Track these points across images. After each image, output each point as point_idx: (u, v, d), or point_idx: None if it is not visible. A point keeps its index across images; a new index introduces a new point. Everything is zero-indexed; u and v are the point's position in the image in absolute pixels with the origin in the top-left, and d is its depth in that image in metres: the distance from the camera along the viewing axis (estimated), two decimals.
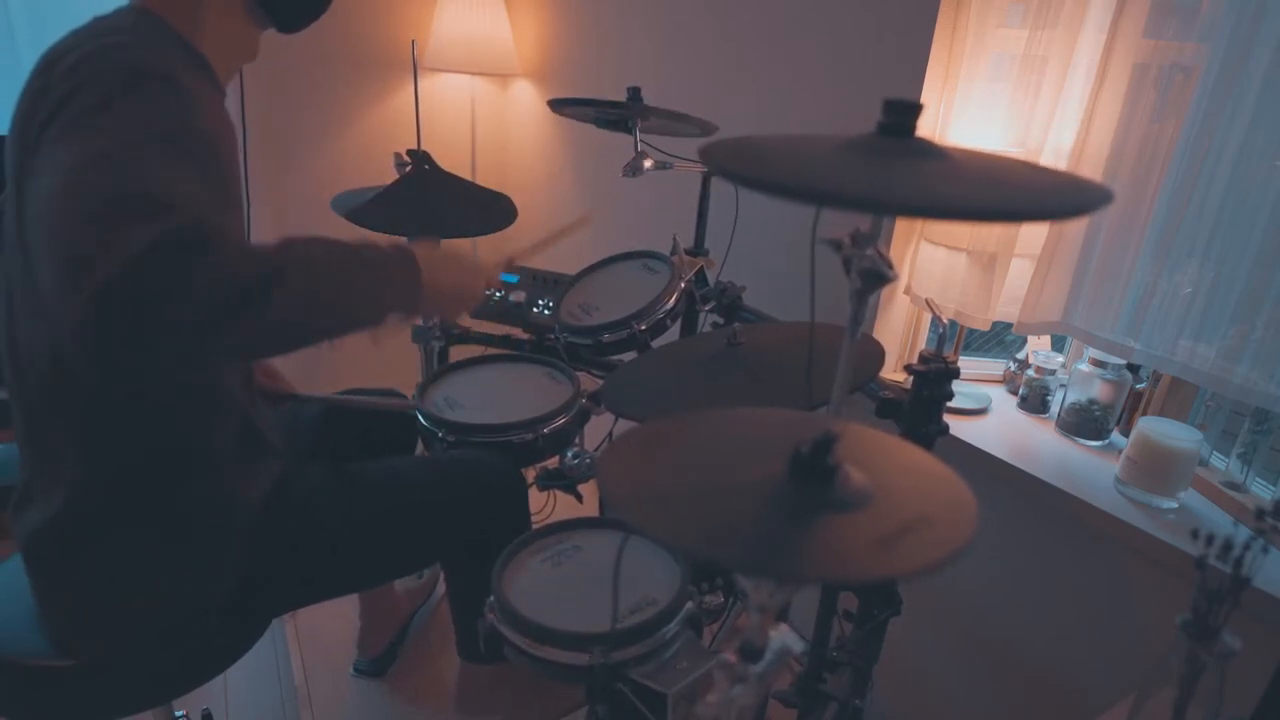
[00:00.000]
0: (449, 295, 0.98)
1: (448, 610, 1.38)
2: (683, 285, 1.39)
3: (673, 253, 1.43)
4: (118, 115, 0.75)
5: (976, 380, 1.53)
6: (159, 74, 0.79)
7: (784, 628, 0.54)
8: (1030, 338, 1.49)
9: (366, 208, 1.52)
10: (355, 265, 0.84)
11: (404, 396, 1.45)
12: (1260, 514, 0.63)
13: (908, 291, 1.47)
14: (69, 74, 0.78)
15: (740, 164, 0.47)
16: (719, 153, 0.49)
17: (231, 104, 2.19)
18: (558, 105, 1.40)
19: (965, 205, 0.43)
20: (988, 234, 1.31)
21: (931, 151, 0.49)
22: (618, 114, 1.37)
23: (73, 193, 0.71)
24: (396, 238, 0.95)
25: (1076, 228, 1.24)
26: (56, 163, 0.73)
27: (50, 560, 0.94)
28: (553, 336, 1.46)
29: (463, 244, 2.80)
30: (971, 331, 1.51)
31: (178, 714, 1.34)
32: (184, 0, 0.92)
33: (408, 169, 1.59)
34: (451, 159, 2.58)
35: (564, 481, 1.47)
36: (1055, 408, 1.40)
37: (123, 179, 0.71)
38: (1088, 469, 1.24)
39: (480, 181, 1.73)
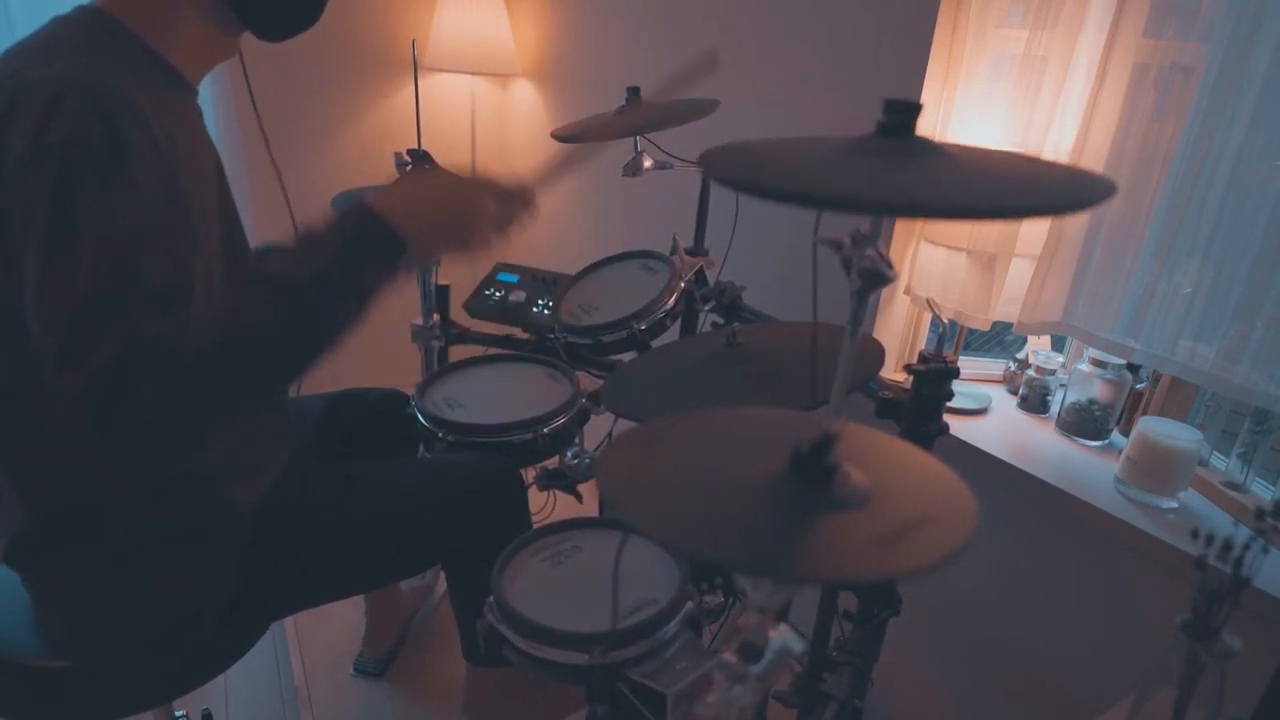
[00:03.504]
0: (440, 226, 0.88)
1: (448, 610, 1.37)
2: (683, 285, 1.39)
3: (673, 253, 1.43)
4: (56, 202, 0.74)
5: (976, 380, 1.53)
6: (98, 128, 0.75)
7: (784, 627, 0.54)
8: (1030, 338, 1.49)
9: None
10: (307, 293, 0.80)
11: (406, 396, 1.45)
12: (1260, 514, 0.63)
13: (908, 291, 1.47)
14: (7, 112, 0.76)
15: (739, 170, 0.47)
16: (718, 159, 0.49)
17: (236, 99, 2.19)
18: (562, 139, 1.38)
19: (967, 204, 0.43)
20: (988, 234, 1.31)
21: (931, 150, 0.49)
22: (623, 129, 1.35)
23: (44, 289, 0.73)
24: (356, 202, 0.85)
25: (1077, 227, 1.23)
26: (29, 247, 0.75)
27: (33, 566, 0.94)
28: (553, 336, 1.46)
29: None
30: (971, 331, 1.51)
31: (178, 714, 1.34)
32: (149, 3, 0.89)
33: (408, 168, 1.59)
34: (452, 159, 2.57)
35: (564, 481, 1.47)
36: (1055, 408, 1.40)
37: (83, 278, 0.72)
38: (1088, 469, 1.24)
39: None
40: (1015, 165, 0.50)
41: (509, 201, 0.92)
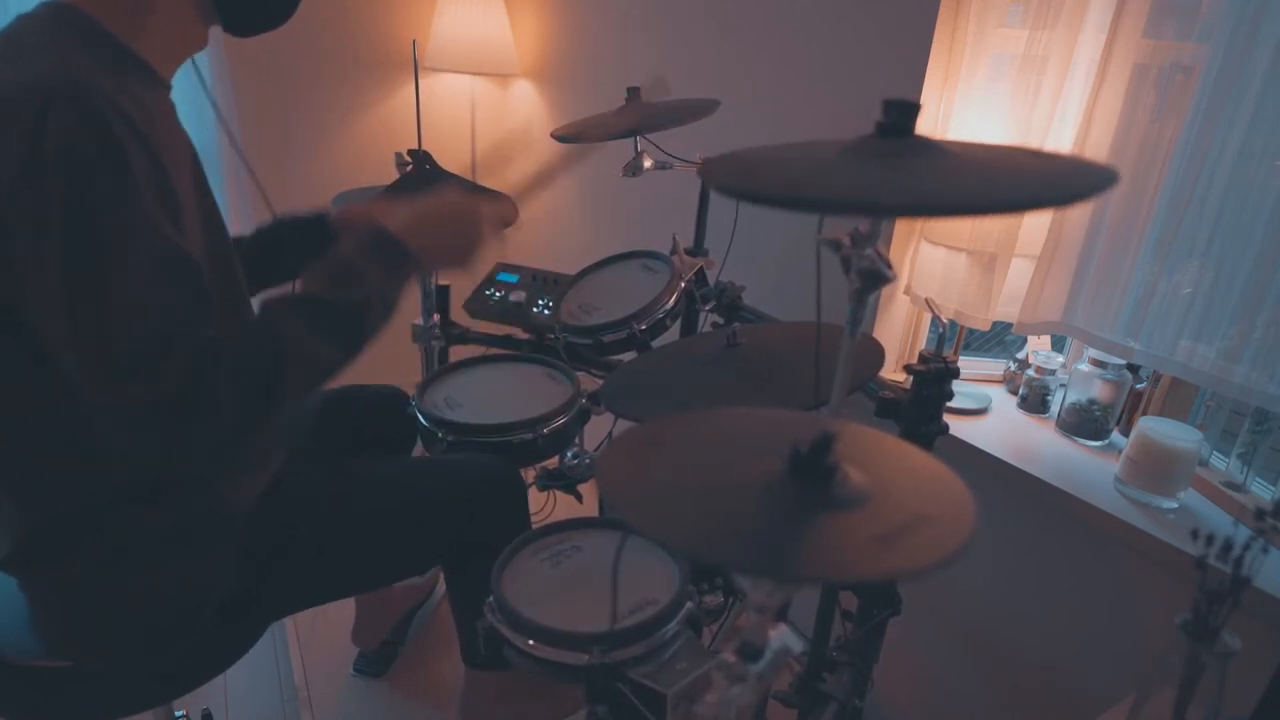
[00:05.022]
0: (446, 248, 1.02)
1: (448, 611, 1.37)
2: (682, 285, 1.39)
3: (672, 252, 1.43)
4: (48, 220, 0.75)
5: (976, 380, 1.53)
6: (93, 140, 0.76)
7: (783, 627, 0.54)
8: (1030, 338, 1.49)
9: None
10: (340, 310, 0.90)
11: (405, 395, 1.45)
12: (1260, 514, 0.63)
13: (907, 291, 1.47)
14: None
15: (739, 179, 0.48)
16: (718, 170, 0.50)
17: (225, 99, 2.19)
18: (563, 139, 1.39)
19: (964, 201, 0.43)
20: (988, 234, 1.31)
21: (930, 148, 0.49)
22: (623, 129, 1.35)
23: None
24: (364, 219, 1.00)
25: (1077, 227, 1.23)
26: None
27: (28, 569, 0.93)
28: (553, 336, 1.46)
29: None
30: (971, 331, 1.51)
31: (178, 714, 1.34)
32: None
33: (408, 169, 1.59)
34: (451, 159, 2.58)
35: (564, 481, 1.47)
36: (1055, 408, 1.40)
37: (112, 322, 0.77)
38: (1088, 469, 1.24)
39: (480, 181, 1.73)
40: (1016, 158, 0.50)
41: (496, 216, 1.07)
